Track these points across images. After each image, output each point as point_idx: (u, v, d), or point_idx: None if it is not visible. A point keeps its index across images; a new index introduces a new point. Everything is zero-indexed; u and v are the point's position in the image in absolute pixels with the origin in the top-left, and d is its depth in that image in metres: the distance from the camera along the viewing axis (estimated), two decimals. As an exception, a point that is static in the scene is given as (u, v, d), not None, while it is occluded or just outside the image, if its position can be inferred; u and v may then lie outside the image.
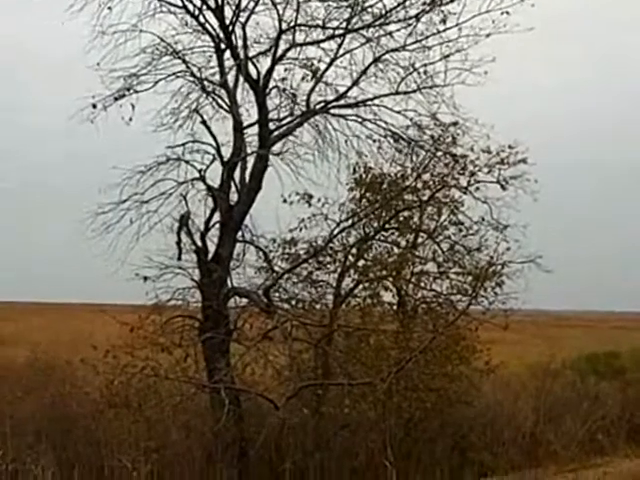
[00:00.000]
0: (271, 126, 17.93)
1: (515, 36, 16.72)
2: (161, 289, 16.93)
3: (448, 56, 17.45)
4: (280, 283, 18.31)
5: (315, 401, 17.55)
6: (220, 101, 18.04)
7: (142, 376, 15.46)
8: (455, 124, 18.18)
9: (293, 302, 18.74)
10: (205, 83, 17.92)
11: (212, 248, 17.59)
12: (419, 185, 18.85)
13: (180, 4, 17.17)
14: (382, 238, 19.35)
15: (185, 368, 16.17)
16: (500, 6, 16.54)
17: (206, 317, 17.12)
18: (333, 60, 17.87)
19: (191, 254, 17.43)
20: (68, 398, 18.23)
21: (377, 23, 17.48)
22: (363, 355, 18.00)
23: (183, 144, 17.68)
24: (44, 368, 20.53)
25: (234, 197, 17.69)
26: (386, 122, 18.18)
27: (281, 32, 17.36)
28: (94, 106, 17.04)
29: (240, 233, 17.90)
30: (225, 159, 17.58)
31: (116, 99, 17.22)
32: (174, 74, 17.72)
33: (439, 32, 17.37)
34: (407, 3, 17.21)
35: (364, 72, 17.91)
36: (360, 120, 18.24)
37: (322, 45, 17.92)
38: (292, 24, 17.33)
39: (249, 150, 17.70)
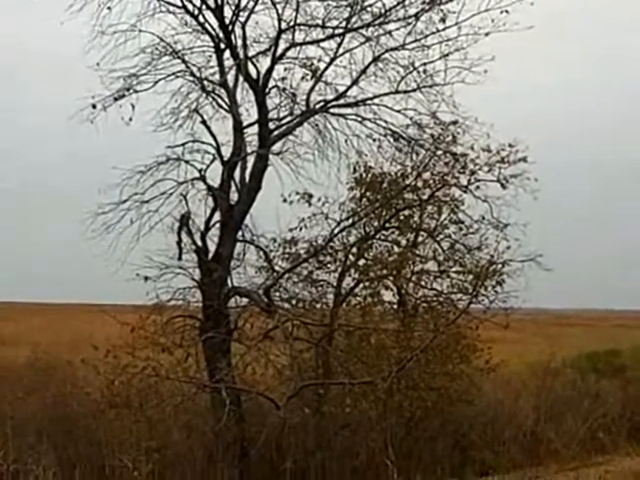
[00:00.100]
0: (271, 126, 17.92)
1: (514, 35, 16.76)
2: (162, 289, 16.93)
3: (448, 55, 17.46)
4: (281, 282, 18.31)
5: (316, 400, 17.55)
6: (220, 101, 18.04)
7: (143, 376, 15.46)
8: (455, 123, 18.18)
9: (294, 301, 18.75)
10: (205, 83, 17.91)
11: (212, 248, 17.58)
12: (419, 184, 18.85)
13: (179, 4, 17.17)
14: (382, 237, 19.35)
15: (186, 368, 16.15)
16: (499, 5, 16.54)
17: (207, 317, 17.11)
18: (333, 59, 17.86)
19: (191, 254, 17.43)
20: (69, 398, 18.22)
21: (377, 22, 17.47)
22: (364, 354, 18.02)
23: (183, 144, 17.67)
24: (45, 368, 20.55)
25: (234, 197, 17.68)
26: (386, 121, 18.20)
27: (281, 32, 17.35)
28: (94, 106, 17.03)
29: (240, 233, 17.89)
30: (225, 159, 17.57)
31: (116, 99, 17.20)
32: (174, 74, 17.72)
33: (439, 31, 17.37)
34: (406, 2, 17.21)
35: (364, 71, 17.91)
36: (360, 119, 18.24)
37: (322, 44, 17.92)
38: (292, 23, 17.33)
39: (249, 150, 17.70)
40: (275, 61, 17.61)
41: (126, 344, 15.55)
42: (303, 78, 18.14)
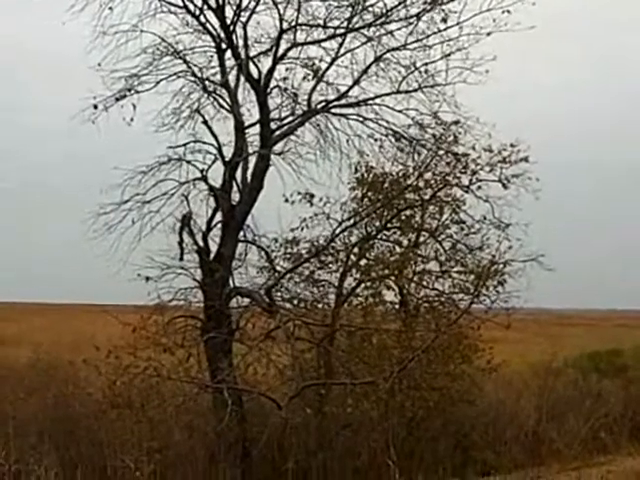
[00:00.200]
0: (272, 126, 17.93)
1: (516, 35, 16.77)
2: (163, 289, 16.96)
3: (449, 55, 17.49)
4: (282, 283, 18.33)
5: (318, 401, 17.54)
6: (221, 101, 18.06)
7: (144, 376, 15.47)
8: (457, 123, 18.20)
9: (295, 302, 18.74)
10: (206, 83, 17.92)
11: (214, 248, 17.61)
12: (421, 184, 18.86)
13: (181, 4, 17.19)
14: (384, 237, 19.36)
15: (187, 368, 16.16)
16: (501, 5, 16.60)
17: (208, 317, 17.12)
18: (334, 59, 17.89)
19: (193, 254, 17.45)
20: (71, 399, 18.23)
21: (378, 22, 17.49)
22: (365, 354, 18.02)
23: (184, 144, 17.69)
24: (46, 369, 20.54)
25: (236, 197, 17.69)
26: (387, 121, 18.25)
27: (282, 32, 17.36)
28: (95, 107, 17.04)
29: (242, 233, 17.90)
30: (227, 159, 17.58)
31: (117, 99, 17.22)
32: (175, 74, 17.72)
33: (440, 31, 17.41)
34: (408, 2, 17.26)
35: (365, 71, 17.93)
36: (361, 119, 18.28)
37: (323, 44, 17.95)
38: (293, 23, 17.35)
39: (250, 150, 17.71)
40: (276, 61, 17.63)
41: (128, 344, 15.56)
42: (304, 78, 18.18)
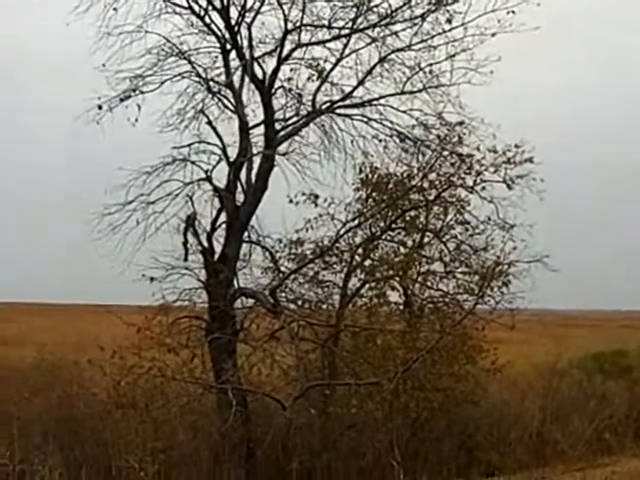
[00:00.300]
0: (277, 126, 17.94)
1: (521, 35, 16.76)
2: (167, 290, 16.98)
3: (454, 55, 17.50)
4: (286, 283, 18.33)
5: (322, 401, 17.51)
6: (226, 101, 18.08)
7: (149, 377, 15.46)
8: (461, 123, 18.18)
9: (300, 302, 18.74)
10: (211, 84, 17.94)
11: (218, 249, 17.62)
12: (425, 185, 18.83)
13: (186, 5, 17.22)
14: (388, 238, 19.34)
15: (192, 369, 16.15)
16: (506, 5, 16.59)
17: (213, 318, 17.13)
18: (339, 60, 17.89)
19: (197, 255, 17.47)
20: (75, 399, 18.21)
21: (383, 23, 17.50)
22: (370, 355, 18.01)
23: (189, 145, 17.73)
24: (51, 369, 20.51)
25: (240, 197, 17.71)
26: (392, 122, 18.24)
27: (287, 32, 17.38)
28: (100, 107, 17.07)
29: (246, 233, 17.92)
30: (231, 159, 17.60)
31: (122, 100, 17.24)
32: (180, 75, 17.75)
33: (445, 32, 17.42)
34: (413, 3, 17.27)
35: (370, 72, 17.93)
36: (366, 120, 18.28)
37: (328, 45, 17.97)
38: (298, 24, 17.36)
39: (255, 150, 17.72)
40: (281, 62, 17.64)
41: (132, 345, 15.58)
42: (309, 79, 18.20)
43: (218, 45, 17.67)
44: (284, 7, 17.17)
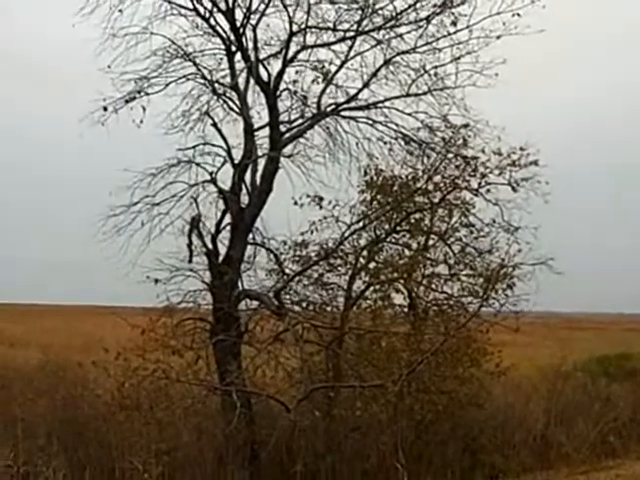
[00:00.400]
0: (282, 128, 17.93)
1: (526, 38, 16.76)
2: (172, 291, 16.99)
3: (459, 58, 17.49)
4: (291, 285, 18.33)
5: (326, 403, 17.53)
6: (231, 103, 18.07)
7: (153, 378, 15.48)
8: (466, 126, 18.17)
9: (304, 304, 18.76)
10: (216, 85, 17.94)
11: (223, 250, 17.62)
12: (430, 187, 18.83)
13: (191, 7, 17.21)
14: (393, 240, 19.33)
15: (196, 371, 16.18)
16: (511, 8, 16.58)
17: (217, 319, 17.13)
18: (344, 62, 17.89)
19: (202, 256, 17.47)
20: (79, 400, 18.22)
21: (388, 25, 17.49)
22: (374, 357, 17.99)
23: (194, 146, 17.73)
24: (55, 370, 20.54)
25: (245, 199, 17.71)
26: (397, 124, 18.22)
27: (292, 34, 17.38)
28: (105, 109, 17.09)
29: (251, 235, 17.91)
30: (236, 161, 17.60)
31: (127, 102, 17.26)
32: (185, 76, 17.75)
33: (450, 34, 17.40)
34: (418, 5, 17.25)
35: (375, 74, 17.93)
36: (371, 122, 18.26)
37: (333, 47, 17.95)
38: (303, 26, 17.37)
39: (260, 152, 17.71)
40: (286, 64, 17.64)
41: (136, 346, 15.59)
42: (314, 81, 18.16)
43: (223, 47, 17.67)
44: (289, 9, 17.21)
